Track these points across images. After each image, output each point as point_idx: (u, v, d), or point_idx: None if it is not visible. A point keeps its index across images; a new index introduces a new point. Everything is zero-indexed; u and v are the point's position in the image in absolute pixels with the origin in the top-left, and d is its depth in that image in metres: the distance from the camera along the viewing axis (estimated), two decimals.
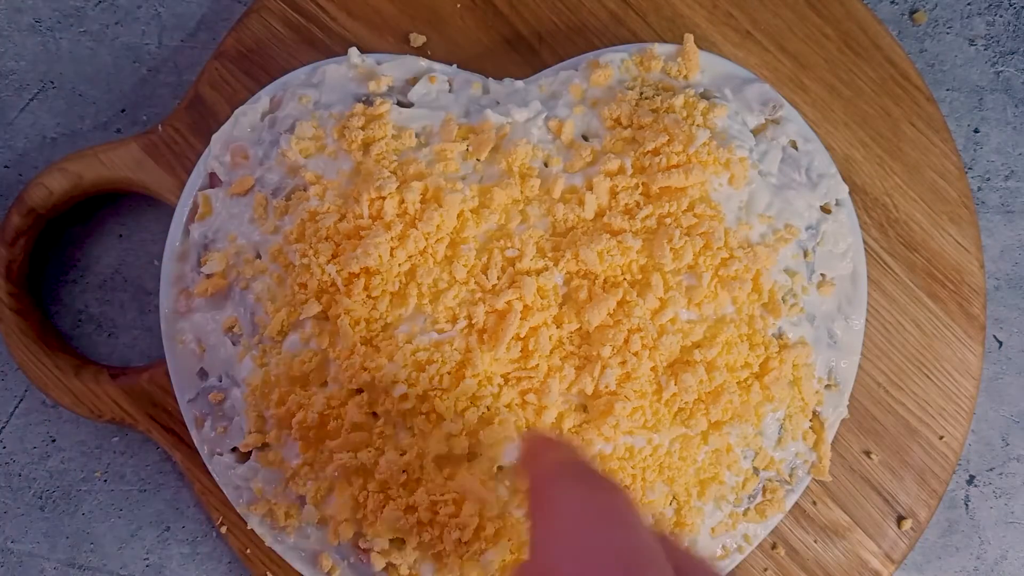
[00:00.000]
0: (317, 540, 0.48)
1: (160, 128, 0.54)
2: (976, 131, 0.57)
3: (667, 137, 0.46)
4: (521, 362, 0.45)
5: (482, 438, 0.45)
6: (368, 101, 0.50)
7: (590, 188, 0.47)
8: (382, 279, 0.45)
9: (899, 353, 0.53)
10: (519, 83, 0.51)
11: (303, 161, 0.48)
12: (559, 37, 0.54)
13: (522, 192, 0.47)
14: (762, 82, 0.51)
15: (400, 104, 0.50)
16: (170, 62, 0.58)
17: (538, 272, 0.46)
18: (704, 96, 0.49)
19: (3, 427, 0.57)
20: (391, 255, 0.45)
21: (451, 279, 0.46)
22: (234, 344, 0.49)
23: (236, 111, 0.51)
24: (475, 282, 0.46)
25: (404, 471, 0.45)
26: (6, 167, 0.58)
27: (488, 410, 0.45)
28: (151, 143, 0.53)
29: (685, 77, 0.50)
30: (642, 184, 0.47)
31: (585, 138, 0.49)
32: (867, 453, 0.53)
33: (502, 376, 0.45)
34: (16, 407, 0.57)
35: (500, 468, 0.46)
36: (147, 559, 0.56)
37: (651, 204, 0.46)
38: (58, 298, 0.58)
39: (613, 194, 0.47)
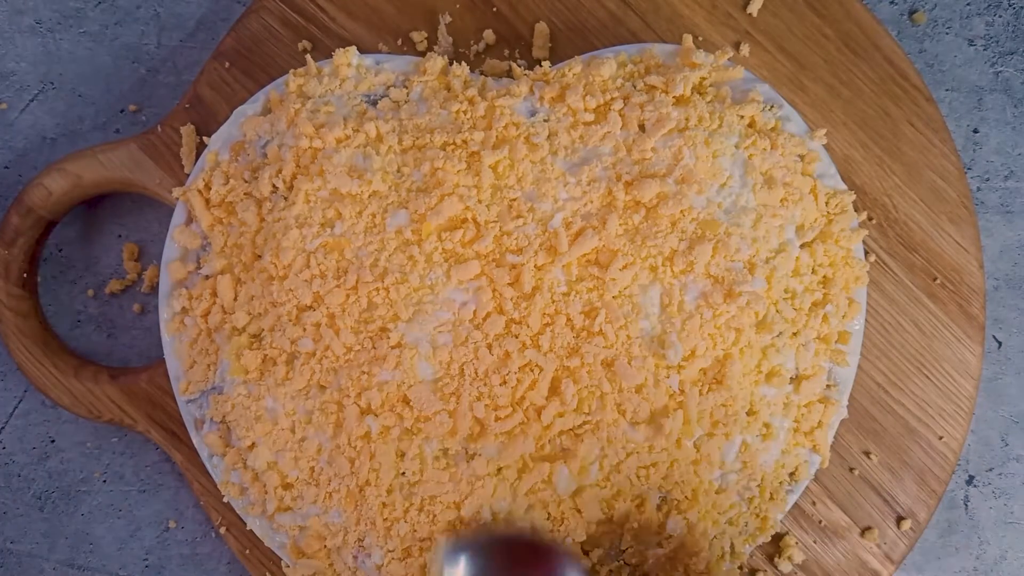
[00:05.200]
0: None
1: (159, 128, 0.54)
2: (975, 131, 0.57)
3: (660, 118, 0.47)
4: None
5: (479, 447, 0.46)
6: (368, 101, 0.50)
7: (589, 184, 0.47)
8: (382, 286, 0.46)
9: (898, 353, 0.53)
10: (518, 82, 0.51)
11: (301, 164, 0.48)
12: (558, 37, 0.54)
13: (522, 190, 0.47)
14: (762, 82, 0.51)
15: (398, 103, 0.50)
16: (169, 62, 0.58)
17: (540, 267, 0.46)
18: (697, 91, 0.50)
19: (3, 427, 0.57)
20: (403, 263, 0.45)
21: (459, 282, 0.46)
22: None
23: (235, 111, 0.51)
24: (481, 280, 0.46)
25: (403, 472, 0.46)
26: (6, 167, 0.58)
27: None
28: (150, 143, 0.53)
29: (684, 77, 0.50)
30: (638, 182, 0.47)
31: (583, 137, 0.49)
32: (866, 453, 0.53)
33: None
34: (16, 408, 0.57)
35: (500, 469, 0.46)
36: (146, 559, 0.56)
37: (645, 208, 0.46)
38: (58, 298, 0.58)
39: (612, 193, 0.47)
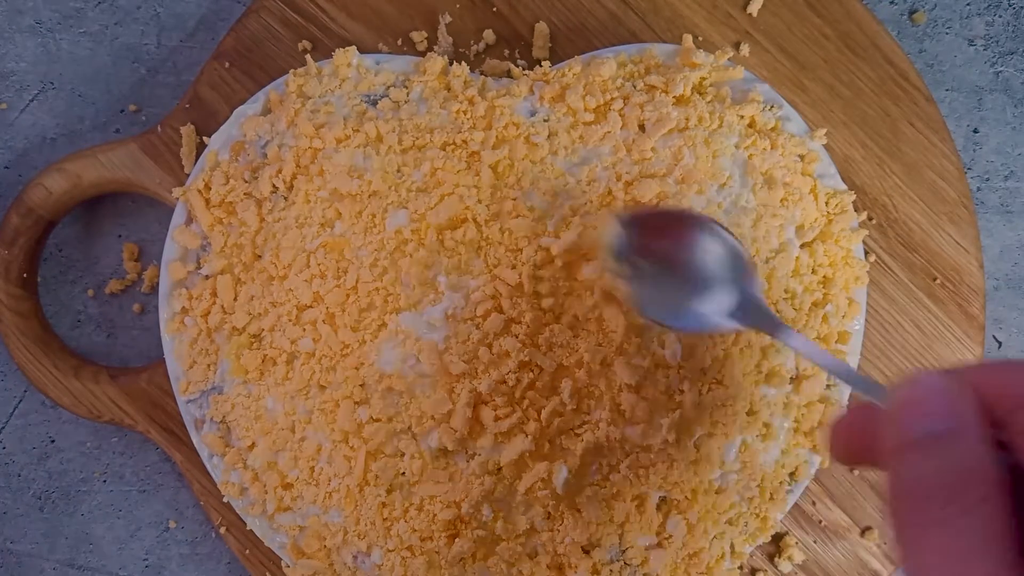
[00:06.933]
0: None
1: (159, 128, 0.54)
2: (975, 131, 0.57)
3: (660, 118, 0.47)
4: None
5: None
6: (368, 101, 0.50)
7: (589, 184, 0.47)
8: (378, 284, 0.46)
9: (899, 353, 0.53)
10: (518, 82, 0.51)
11: (301, 164, 0.48)
12: (558, 37, 0.54)
13: (521, 189, 0.47)
14: (762, 82, 0.51)
15: (398, 103, 0.50)
16: (169, 62, 0.58)
17: (539, 266, 0.46)
18: (697, 91, 0.50)
19: (3, 428, 0.57)
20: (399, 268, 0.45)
21: (457, 281, 0.46)
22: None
23: (235, 111, 0.51)
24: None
25: (403, 472, 0.46)
26: (6, 167, 0.58)
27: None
28: (150, 143, 0.53)
29: (684, 77, 0.50)
30: (638, 182, 0.47)
31: (583, 137, 0.49)
32: None
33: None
34: (15, 408, 0.57)
35: (500, 468, 0.46)
36: (146, 560, 0.56)
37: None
38: (58, 298, 0.58)
39: (612, 193, 0.47)
